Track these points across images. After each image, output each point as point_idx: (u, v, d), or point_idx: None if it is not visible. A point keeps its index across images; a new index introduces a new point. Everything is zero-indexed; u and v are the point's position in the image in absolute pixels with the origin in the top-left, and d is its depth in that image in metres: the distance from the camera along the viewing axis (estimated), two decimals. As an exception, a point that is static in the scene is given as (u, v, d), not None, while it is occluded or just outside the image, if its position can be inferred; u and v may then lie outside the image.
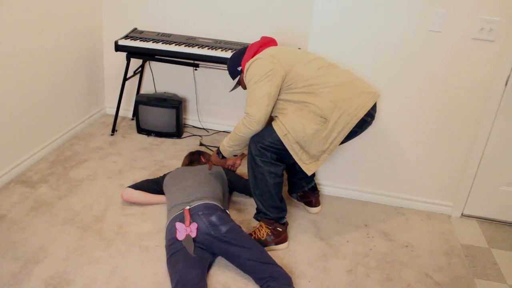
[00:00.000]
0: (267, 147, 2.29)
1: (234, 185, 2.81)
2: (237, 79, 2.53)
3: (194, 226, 2.23)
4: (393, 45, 2.59)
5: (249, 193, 2.82)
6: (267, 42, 2.44)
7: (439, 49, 2.55)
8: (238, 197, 2.89)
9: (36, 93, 3.03)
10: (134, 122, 3.82)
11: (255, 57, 2.30)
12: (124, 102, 3.91)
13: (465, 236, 2.74)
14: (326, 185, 3.02)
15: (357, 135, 2.36)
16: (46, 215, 2.57)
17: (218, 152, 2.47)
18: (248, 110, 2.22)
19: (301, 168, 2.40)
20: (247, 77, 2.29)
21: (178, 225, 2.24)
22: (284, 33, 3.42)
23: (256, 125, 2.22)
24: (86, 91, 3.63)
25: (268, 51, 2.33)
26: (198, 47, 3.21)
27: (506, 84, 2.56)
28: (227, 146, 2.37)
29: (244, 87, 2.48)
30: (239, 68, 2.46)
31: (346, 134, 2.24)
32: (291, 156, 2.30)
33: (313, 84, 2.24)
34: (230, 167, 2.92)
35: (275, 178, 2.35)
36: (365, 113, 2.23)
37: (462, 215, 2.94)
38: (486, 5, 2.42)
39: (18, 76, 2.84)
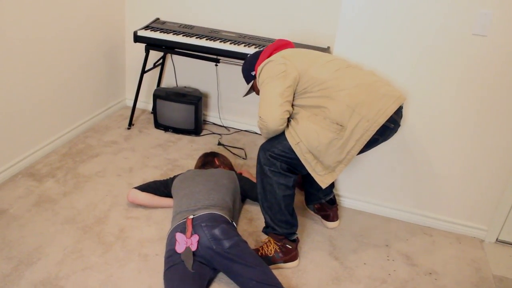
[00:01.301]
0: (277, 156, 2.10)
1: (247, 193, 2.62)
2: (251, 83, 2.35)
3: (195, 238, 2.05)
4: (429, 49, 2.33)
5: None
6: (282, 45, 2.26)
7: (483, 55, 2.27)
8: (251, 205, 2.71)
9: (52, 82, 2.92)
10: (152, 116, 3.68)
11: (267, 60, 2.12)
12: (144, 95, 3.78)
13: (499, 266, 2.46)
14: (347, 197, 2.79)
15: (378, 143, 2.12)
16: (48, 212, 2.46)
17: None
18: (260, 113, 2.07)
19: None
20: (259, 80, 2.13)
21: (179, 236, 2.07)
22: (310, 31, 3.18)
23: (272, 125, 2.05)
24: (105, 81, 3.50)
25: (282, 53, 2.14)
26: (220, 41, 3.02)
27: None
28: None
29: (258, 93, 2.29)
30: (253, 73, 2.29)
31: (365, 142, 2.01)
32: (303, 166, 2.10)
33: (329, 87, 2.03)
34: None
35: (285, 190, 2.15)
36: (387, 118, 2.00)
37: (497, 240, 2.66)
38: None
39: (35, 63, 2.73)
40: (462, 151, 2.50)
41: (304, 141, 2.03)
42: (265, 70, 2.10)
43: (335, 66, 2.10)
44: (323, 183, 2.09)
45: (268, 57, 2.19)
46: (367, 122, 1.98)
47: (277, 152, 2.10)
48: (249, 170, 3.06)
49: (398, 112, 2.08)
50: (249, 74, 2.33)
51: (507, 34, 2.20)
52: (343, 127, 2.00)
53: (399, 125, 2.12)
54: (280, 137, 2.12)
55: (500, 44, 2.23)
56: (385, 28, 2.35)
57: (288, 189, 2.16)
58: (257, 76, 2.17)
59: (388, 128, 2.06)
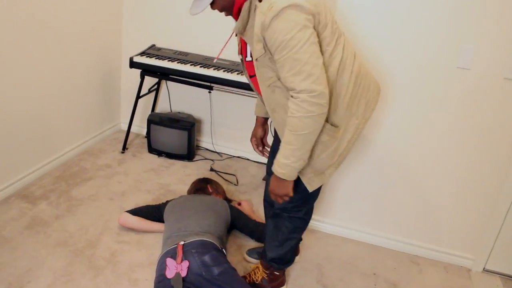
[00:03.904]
0: (302, 203, 2.04)
1: (237, 226, 2.65)
2: None
3: (185, 264, 2.08)
4: (416, 82, 2.40)
5: (256, 239, 2.64)
6: None
7: (467, 88, 2.35)
8: (240, 233, 2.74)
9: (48, 105, 2.98)
10: (146, 140, 3.72)
11: (277, 7, 1.55)
12: (139, 119, 3.83)
13: (484, 295, 2.51)
14: (335, 225, 2.83)
15: None
16: (40, 235, 2.48)
17: (280, 179, 1.78)
18: (305, 84, 1.58)
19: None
20: (278, 28, 1.57)
21: (169, 261, 2.10)
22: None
23: (327, 104, 1.63)
24: (101, 105, 3.56)
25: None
26: (214, 69, 3.09)
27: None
28: (291, 161, 1.70)
29: (225, 9, 1.72)
30: None
31: (355, 142, 1.89)
32: (316, 195, 2.04)
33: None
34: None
35: (299, 233, 2.18)
36: (372, 112, 1.87)
37: (484, 270, 2.70)
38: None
39: (31, 86, 2.79)
40: (449, 181, 2.56)
41: None
42: (283, 21, 1.58)
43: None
44: (311, 187, 1.91)
45: None
46: (357, 120, 1.81)
47: (296, 198, 1.94)
48: (240, 196, 3.10)
49: None
50: None
51: (490, 67, 2.29)
52: (338, 127, 1.79)
53: None
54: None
55: (483, 76, 2.31)
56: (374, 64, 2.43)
57: (302, 230, 2.18)
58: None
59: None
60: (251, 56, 1.81)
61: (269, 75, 1.71)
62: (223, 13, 3.21)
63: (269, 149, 2.26)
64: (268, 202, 2.27)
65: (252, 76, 1.88)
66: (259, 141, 2.24)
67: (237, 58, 3.37)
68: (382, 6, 2.32)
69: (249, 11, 1.65)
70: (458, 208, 2.61)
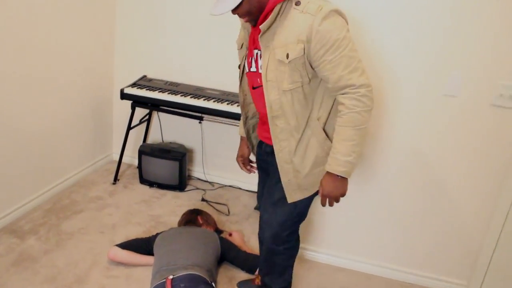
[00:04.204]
0: (292, 230, 2.05)
1: (228, 257, 2.62)
2: None
3: (173, 299, 2.06)
4: (405, 110, 2.42)
5: (247, 270, 2.61)
6: None
7: (455, 115, 2.37)
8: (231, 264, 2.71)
9: (39, 137, 2.98)
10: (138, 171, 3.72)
11: (327, 9, 1.64)
12: (131, 150, 3.84)
13: (478, 324, 2.47)
14: (327, 254, 2.81)
15: None
16: (28, 272, 2.46)
17: (337, 179, 1.76)
18: (362, 79, 1.67)
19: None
20: (330, 29, 1.63)
21: (157, 296, 2.08)
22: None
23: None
24: (92, 136, 3.57)
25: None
26: (204, 99, 3.11)
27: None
28: (352, 157, 1.72)
29: (249, 14, 1.71)
30: None
31: None
32: (304, 217, 2.06)
33: None
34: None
35: (294, 258, 2.20)
36: None
37: (478, 296, 2.68)
38: (505, 70, 2.24)
39: (23, 117, 2.80)
40: (440, 207, 2.55)
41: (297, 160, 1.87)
42: (333, 23, 1.65)
43: None
44: (292, 198, 1.93)
45: None
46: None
47: (289, 224, 2.00)
48: (231, 226, 3.09)
49: None
50: None
51: (476, 95, 2.31)
52: (329, 138, 1.86)
53: None
54: (277, 209, 1.98)
55: (470, 103, 2.33)
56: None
57: (295, 256, 2.20)
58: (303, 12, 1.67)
59: None
60: (255, 67, 1.85)
61: (295, 79, 1.73)
62: (216, 40, 3.26)
63: (255, 166, 2.29)
64: (261, 240, 2.19)
65: (256, 87, 1.89)
66: (246, 160, 2.30)
67: (227, 88, 3.40)
68: (371, 32, 2.35)
69: (278, 14, 1.69)
70: (450, 235, 2.60)
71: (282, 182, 1.91)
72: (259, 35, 1.73)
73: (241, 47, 1.96)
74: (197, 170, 3.76)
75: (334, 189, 1.78)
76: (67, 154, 3.31)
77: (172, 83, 3.39)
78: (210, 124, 3.57)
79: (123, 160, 3.80)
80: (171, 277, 2.16)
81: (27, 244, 2.68)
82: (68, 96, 3.19)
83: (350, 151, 1.70)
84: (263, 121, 1.97)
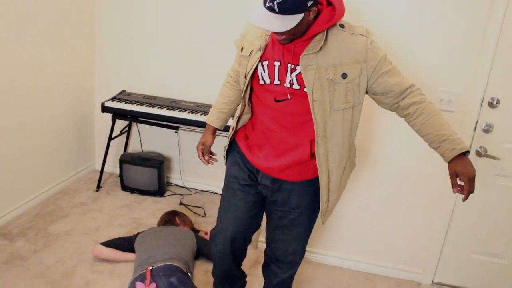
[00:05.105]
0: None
1: (204, 253, 2.88)
2: (300, 16, 1.62)
3: (153, 286, 2.30)
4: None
5: None
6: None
7: (401, 120, 2.68)
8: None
9: (24, 148, 3.21)
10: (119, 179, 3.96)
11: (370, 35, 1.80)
12: (113, 159, 4.07)
13: (429, 305, 2.76)
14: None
15: None
16: (18, 269, 2.67)
17: (468, 158, 1.73)
18: (410, 82, 1.84)
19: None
20: (378, 46, 1.79)
21: (138, 284, 2.32)
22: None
23: None
24: (75, 147, 3.80)
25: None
26: (179, 111, 3.38)
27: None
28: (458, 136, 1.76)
29: (294, 34, 1.69)
30: (310, 3, 1.62)
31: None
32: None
33: None
34: None
35: None
36: None
37: (433, 282, 2.96)
38: (444, 79, 2.55)
39: (8, 129, 3.02)
40: (398, 204, 2.85)
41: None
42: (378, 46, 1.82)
43: None
44: (326, 219, 2.04)
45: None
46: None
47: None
48: (207, 226, 3.34)
49: None
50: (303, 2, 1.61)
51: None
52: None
53: None
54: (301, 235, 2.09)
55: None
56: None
57: None
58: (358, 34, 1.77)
59: None
60: (279, 80, 1.82)
61: (349, 99, 1.79)
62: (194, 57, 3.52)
63: (214, 157, 2.30)
64: (277, 265, 2.21)
65: (280, 100, 1.84)
66: (207, 149, 2.21)
67: (201, 100, 3.67)
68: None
69: (327, 36, 1.74)
70: (405, 226, 2.89)
71: (321, 203, 1.95)
72: (302, 55, 1.73)
73: (250, 53, 1.89)
74: (175, 177, 4.01)
75: (473, 169, 1.71)
76: (52, 164, 3.54)
77: (149, 97, 3.66)
78: (186, 134, 3.84)
79: (106, 169, 4.03)
80: (150, 267, 2.40)
81: (17, 245, 2.89)
82: (52, 111, 3.43)
83: (453, 131, 1.76)
84: (277, 137, 1.92)
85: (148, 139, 3.98)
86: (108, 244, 2.83)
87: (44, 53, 3.23)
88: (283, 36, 1.69)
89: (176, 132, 3.79)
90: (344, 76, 1.74)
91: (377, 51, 1.76)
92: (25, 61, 3.06)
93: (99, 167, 4.10)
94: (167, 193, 3.84)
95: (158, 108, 3.42)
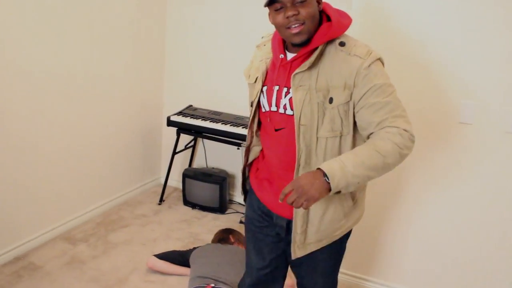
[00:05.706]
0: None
1: None
2: None
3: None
4: (419, 138, 2.56)
5: None
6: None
7: (470, 142, 2.48)
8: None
9: (94, 158, 3.35)
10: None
11: (375, 54, 1.57)
12: (177, 174, 4.14)
13: None
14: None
15: None
16: (77, 271, 2.75)
17: (321, 178, 1.44)
18: (408, 127, 1.53)
19: None
20: (377, 72, 1.55)
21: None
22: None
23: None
24: (142, 160, 3.91)
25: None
26: (243, 127, 3.38)
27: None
28: (354, 175, 1.45)
29: (312, 18, 1.54)
30: None
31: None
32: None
33: None
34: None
35: None
36: None
37: None
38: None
39: (81, 141, 3.19)
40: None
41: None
42: (380, 67, 1.59)
43: None
44: (300, 253, 1.80)
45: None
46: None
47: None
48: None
49: None
50: None
51: (490, 122, 2.41)
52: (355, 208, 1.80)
53: None
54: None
55: (484, 131, 2.43)
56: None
57: None
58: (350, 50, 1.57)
59: None
60: (276, 106, 1.67)
61: (334, 127, 1.59)
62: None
63: None
64: None
65: (278, 129, 1.68)
66: None
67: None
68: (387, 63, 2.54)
69: (321, 53, 1.58)
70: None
71: (293, 234, 1.71)
72: (293, 74, 1.58)
73: (255, 81, 1.76)
74: (238, 195, 3.99)
75: (310, 184, 1.43)
76: (119, 175, 3.66)
77: (215, 112, 3.70)
78: (249, 152, 3.82)
79: (171, 183, 4.10)
80: (213, 285, 2.38)
81: (78, 250, 2.98)
82: (122, 123, 3.56)
83: (359, 165, 1.45)
84: (278, 175, 1.74)
85: (214, 155, 4.01)
86: (162, 256, 2.83)
87: (118, 70, 3.39)
88: (302, 27, 1.52)
89: (238, 148, 3.79)
90: (330, 100, 1.55)
91: (373, 78, 1.52)
92: (100, 77, 3.23)
93: (164, 181, 4.17)
94: (228, 210, 3.81)
95: (222, 124, 3.44)
